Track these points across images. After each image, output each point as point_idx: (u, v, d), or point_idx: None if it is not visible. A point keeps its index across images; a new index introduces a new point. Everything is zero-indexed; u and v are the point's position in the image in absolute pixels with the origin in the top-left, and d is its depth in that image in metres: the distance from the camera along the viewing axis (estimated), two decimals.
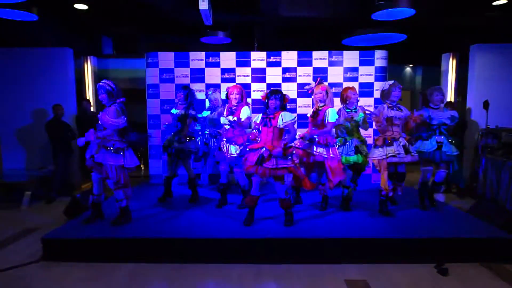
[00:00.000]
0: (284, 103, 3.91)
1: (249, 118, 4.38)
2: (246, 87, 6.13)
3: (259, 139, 4.00)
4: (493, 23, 6.57)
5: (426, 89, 4.72)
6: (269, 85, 6.12)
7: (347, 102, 4.46)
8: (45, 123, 6.13)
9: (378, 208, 4.41)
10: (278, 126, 3.83)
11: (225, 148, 4.49)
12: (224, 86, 5.96)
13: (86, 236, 3.77)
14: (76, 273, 3.41)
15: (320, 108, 4.28)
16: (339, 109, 4.43)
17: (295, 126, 3.88)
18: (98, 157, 3.87)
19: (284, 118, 3.81)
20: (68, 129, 6.24)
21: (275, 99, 3.83)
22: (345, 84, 6.07)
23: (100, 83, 3.96)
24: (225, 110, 4.63)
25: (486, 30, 6.83)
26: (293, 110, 5.97)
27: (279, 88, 4.24)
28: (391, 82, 4.29)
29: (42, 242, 3.72)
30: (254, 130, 4.14)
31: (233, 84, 5.09)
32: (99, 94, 3.97)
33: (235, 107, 4.50)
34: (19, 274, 3.43)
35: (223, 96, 4.82)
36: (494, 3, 5.60)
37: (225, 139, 4.52)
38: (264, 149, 3.80)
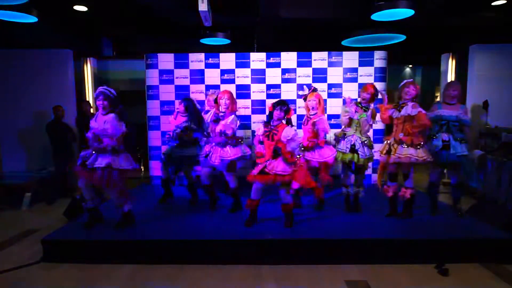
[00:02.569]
0: (288, 116, 3.92)
1: (233, 128, 4.36)
2: (245, 88, 6.15)
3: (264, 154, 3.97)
4: (492, 23, 6.59)
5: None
6: (268, 86, 6.13)
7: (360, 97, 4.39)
8: (46, 124, 6.14)
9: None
10: (281, 140, 3.82)
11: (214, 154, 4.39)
12: (223, 88, 5.98)
13: (86, 238, 3.78)
14: (76, 275, 3.41)
15: (311, 116, 4.36)
16: (346, 101, 4.40)
17: (297, 137, 3.88)
18: (97, 163, 3.72)
19: (286, 132, 3.78)
20: (68, 130, 6.25)
21: (280, 110, 3.83)
22: (345, 85, 6.10)
23: (101, 89, 3.85)
24: (211, 114, 4.57)
25: (485, 30, 6.84)
26: (293, 111, 5.97)
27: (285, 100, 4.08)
28: (403, 82, 4.16)
29: (42, 244, 3.72)
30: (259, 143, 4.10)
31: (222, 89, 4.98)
32: (99, 100, 3.83)
33: (222, 114, 4.43)
34: (19, 275, 3.43)
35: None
36: (493, 4, 5.61)
37: (214, 144, 4.43)
38: (268, 161, 3.84)
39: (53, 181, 6.17)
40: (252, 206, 4.02)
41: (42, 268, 3.57)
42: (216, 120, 4.44)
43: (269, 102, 5.88)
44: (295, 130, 3.93)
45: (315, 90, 4.49)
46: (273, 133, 3.84)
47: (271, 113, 3.89)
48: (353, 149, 4.28)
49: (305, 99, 4.48)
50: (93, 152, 3.80)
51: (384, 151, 4.15)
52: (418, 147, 3.97)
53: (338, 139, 4.44)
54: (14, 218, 5.22)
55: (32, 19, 5.22)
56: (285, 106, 3.86)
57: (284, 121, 3.91)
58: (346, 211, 4.54)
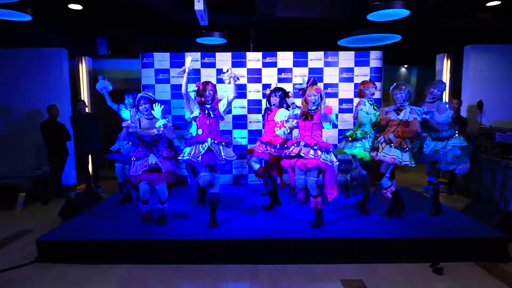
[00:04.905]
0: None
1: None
2: (242, 87, 6.14)
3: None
4: (487, 24, 6.63)
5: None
6: (264, 86, 6.13)
7: (365, 96, 4.42)
8: (40, 123, 6.10)
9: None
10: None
11: (217, 150, 4.00)
12: (220, 87, 5.94)
13: (81, 238, 3.76)
14: (71, 275, 3.39)
15: (313, 110, 3.98)
16: (359, 102, 4.42)
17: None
18: (167, 166, 4.03)
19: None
20: (63, 130, 6.21)
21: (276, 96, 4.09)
22: (341, 85, 6.12)
23: (143, 94, 4.11)
24: (196, 107, 4.16)
25: (480, 31, 6.88)
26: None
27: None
28: (393, 85, 4.11)
29: (37, 244, 3.70)
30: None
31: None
32: (142, 104, 4.03)
33: (210, 106, 4.08)
34: (14, 275, 3.41)
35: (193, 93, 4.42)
36: (487, 4, 5.64)
37: (213, 141, 4.02)
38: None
39: (48, 181, 6.13)
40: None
41: (36, 268, 3.55)
42: (208, 113, 4.09)
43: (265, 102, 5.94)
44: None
45: (314, 83, 4.04)
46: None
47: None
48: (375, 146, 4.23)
49: (303, 93, 4.07)
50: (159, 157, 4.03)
51: (373, 148, 4.15)
52: (406, 150, 3.97)
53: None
54: (9, 218, 5.18)
55: (27, 17, 5.18)
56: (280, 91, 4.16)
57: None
58: (362, 212, 4.49)
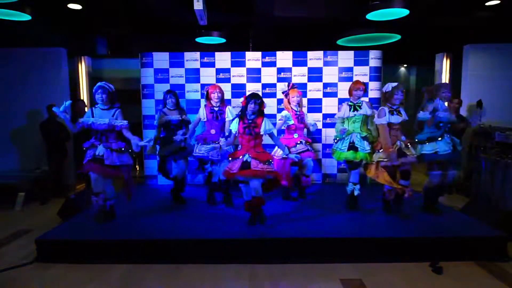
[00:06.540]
0: (262, 108, 3.90)
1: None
2: (241, 87, 6.14)
3: (240, 146, 4.01)
4: (486, 23, 6.62)
5: (429, 86, 4.42)
6: (264, 85, 6.12)
7: (351, 96, 4.51)
8: (39, 123, 6.09)
9: (382, 206, 4.45)
10: (261, 133, 3.88)
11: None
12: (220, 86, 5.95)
13: (80, 238, 3.76)
14: (70, 275, 3.39)
15: (298, 112, 4.76)
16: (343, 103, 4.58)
17: (275, 131, 4.02)
18: (114, 159, 3.91)
19: (267, 125, 3.85)
20: (63, 129, 6.20)
21: (255, 104, 3.80)
22: (340, 84, 6.11)
23: (101, 84, 3.97)
24: (204, 111, 4.65)
25: (479, 30, 6.88)
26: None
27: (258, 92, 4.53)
28: (394, 84, 4.13)
29: (36, 244, 3.69)
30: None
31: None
32: (98, 94, 3.94)
33: (218, 108, 4.59)
34: (12, 275, 3.41)
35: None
36: (486, 4, 5.64)
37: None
38: (247, 156, 3.86)
39: (47, 181, 6.12)
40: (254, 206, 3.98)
41: (35, 268, 3.55)
42: (216, 116, 4.56)
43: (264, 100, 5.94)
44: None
45: (294, 86, 4.78)
46: (252, 127, 3.84)
47: (245, 107, 3.85)
48: (351, 146, 4.35)
49: (286, 95, 4.71)
50: (106, 149, 3.93)
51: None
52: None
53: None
54: (8, 218, 5.17)
55: (26, 17, 5.17)
56: (259, 99, 3.84)
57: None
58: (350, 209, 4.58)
